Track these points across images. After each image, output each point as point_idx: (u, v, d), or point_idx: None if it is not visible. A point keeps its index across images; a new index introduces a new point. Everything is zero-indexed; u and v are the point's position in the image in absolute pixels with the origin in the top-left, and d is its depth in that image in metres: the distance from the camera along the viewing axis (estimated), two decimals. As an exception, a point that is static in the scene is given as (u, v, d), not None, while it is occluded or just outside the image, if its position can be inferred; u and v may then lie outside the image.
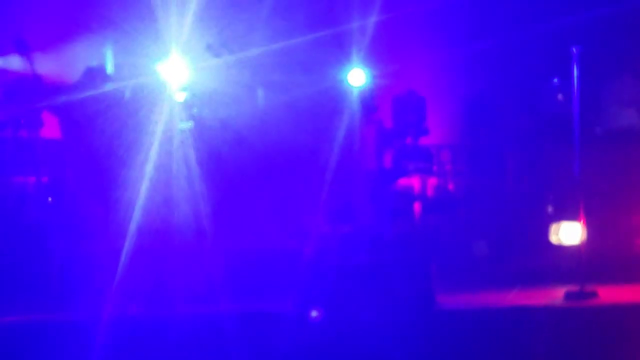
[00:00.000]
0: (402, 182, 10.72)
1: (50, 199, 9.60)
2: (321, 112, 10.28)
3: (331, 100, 10.43)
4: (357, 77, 10.56)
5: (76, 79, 9.88)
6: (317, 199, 9.83)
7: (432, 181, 10.81)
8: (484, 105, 10.97)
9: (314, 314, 8.06)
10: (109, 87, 9.60)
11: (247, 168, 9.77)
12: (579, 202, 9.09)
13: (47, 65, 9.91)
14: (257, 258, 9.08)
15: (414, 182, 10.74)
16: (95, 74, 9.94)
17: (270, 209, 9.70)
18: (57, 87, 9.71)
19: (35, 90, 9.58)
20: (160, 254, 8.62)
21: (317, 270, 8.77)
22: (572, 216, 9.31)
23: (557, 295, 9.02)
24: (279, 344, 7.82)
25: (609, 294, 8.99)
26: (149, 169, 9.03)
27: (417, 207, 10.63)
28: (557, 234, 9.71)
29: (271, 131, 9.84)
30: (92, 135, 9.32)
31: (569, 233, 9.54)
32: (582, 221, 9.09)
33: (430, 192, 10.75)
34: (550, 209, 10.25)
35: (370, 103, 10.69)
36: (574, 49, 8.89)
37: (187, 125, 9.48)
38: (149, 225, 8.74)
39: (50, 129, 9.99)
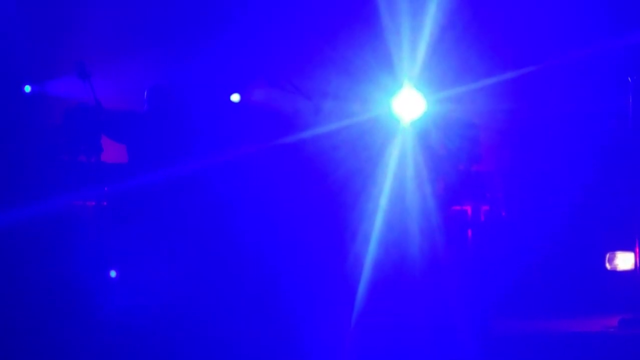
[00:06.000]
0: (455, 208, 10.74)
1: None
2: (374, 139, 10.35)
3: (384, 127, 10.50)
4: (410, 104, 10.60)
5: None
6: (369, 227, 9.89)
7: (485, 208, 10.82)
8: (538, 132, 10.98)
9: None
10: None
11: None
12: (634, 230, 9.09)
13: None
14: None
15: (466, 208, 10.76)
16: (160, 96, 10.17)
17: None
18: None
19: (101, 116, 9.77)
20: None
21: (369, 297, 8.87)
22: (627, 244, 9.32)
23: (611, 322, 9.01)
24: None
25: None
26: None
27: (469, 233, 10.65)
28: (612, 261, 9.71)
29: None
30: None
31: (624, 260, 9.54)
32: (637, 248, 9.10)
33: (483, 218, 10.76)
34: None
35: (423, 130, 10.73)
36: (629, 79, 8.90)
37: None
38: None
39: (110, 153, 10.18)
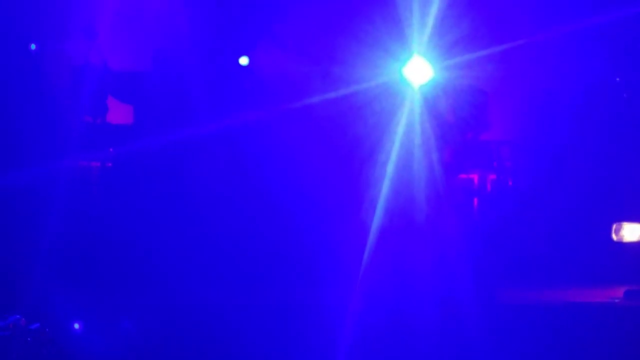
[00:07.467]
0: (462, 177, 10.71)
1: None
2: (382, 105, 10.31)
3: (392, 94, 10.45)
4: (418, 70, 10.54)
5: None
6: (376, 194, 9.87)
7: (492, 177, 10.79)
8: (545, 101, 10.92)
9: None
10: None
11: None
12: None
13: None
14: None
15: (473, 177, 10.73)
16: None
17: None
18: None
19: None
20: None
21: (374, 264, 8.86)
22: (634, 215, 9.30)
23: (617, 293, 9.01)
24: None
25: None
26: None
27: (476, 202, 10.62)
28: (618, 232, 9.69)
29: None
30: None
31: (630, 231, 9.52)
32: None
33: (489, 188, 10.73)
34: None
35: (432, 97, 10.68)
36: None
37: None
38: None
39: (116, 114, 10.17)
